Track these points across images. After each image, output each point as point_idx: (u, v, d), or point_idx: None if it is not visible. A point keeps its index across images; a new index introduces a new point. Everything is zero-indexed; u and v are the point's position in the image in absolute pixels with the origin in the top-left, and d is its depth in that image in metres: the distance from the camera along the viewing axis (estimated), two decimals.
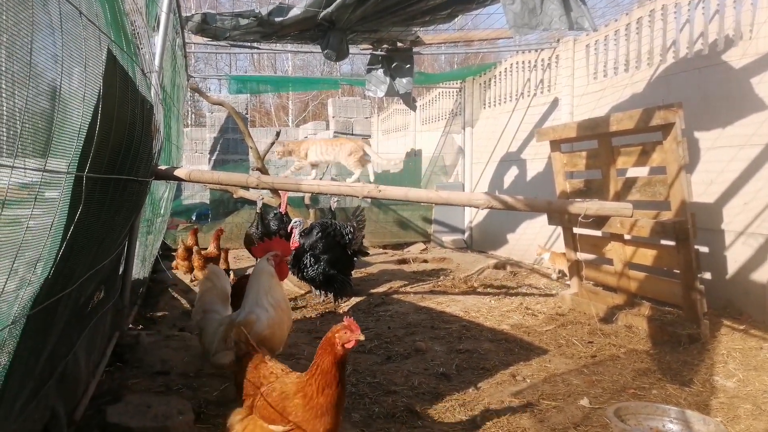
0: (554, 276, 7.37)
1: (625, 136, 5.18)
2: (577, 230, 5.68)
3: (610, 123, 4.98)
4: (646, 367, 4.13)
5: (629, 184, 5.20)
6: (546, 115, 8.47)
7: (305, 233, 6.55)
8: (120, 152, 2.28)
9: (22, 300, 1.73)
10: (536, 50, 8.67)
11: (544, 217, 7.23)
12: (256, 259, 3.99)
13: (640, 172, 5.55)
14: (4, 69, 1.36)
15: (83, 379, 3.28)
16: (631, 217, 4.91)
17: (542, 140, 6.07)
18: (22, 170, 1.38)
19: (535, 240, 8.58)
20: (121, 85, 2.09)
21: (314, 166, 6.53)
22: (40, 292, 1.84)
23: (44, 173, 1.52)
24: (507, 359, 4.30)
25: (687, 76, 5.94)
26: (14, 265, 1.56)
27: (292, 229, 6.46)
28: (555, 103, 8.24)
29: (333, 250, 6.60)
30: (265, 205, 8.08)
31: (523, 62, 9.13)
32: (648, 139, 4.96)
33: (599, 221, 5.15)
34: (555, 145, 5.93)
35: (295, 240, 6.32)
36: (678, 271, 4.82)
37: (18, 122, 1.31)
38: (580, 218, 4.95)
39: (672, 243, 4.78)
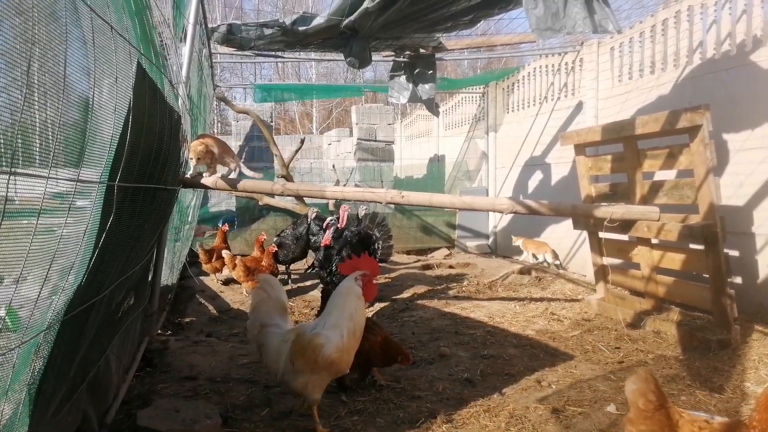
0: (530, 260, 8.91)
1: (651, 139, 5.12)
2: (603, 234, 5.62)
3: (636, 126, 4.93)
4: (675, 373, 4.06)
5: (656, 187, 5.14)
6: (570, 118, 8.41)
7: (337, 236, 6.57)
8: (149, 161, 2.34)
9: (57, 306, 1.79)
10: (560, 53, 8.62)
11: (569, 222, 7.18)
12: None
13: (667, 175, 5.48)
14: (36, 81, 1.42)
15: (114, 384, 3.37)
16: (658, 220, 4.83)
17: (566, 144, 6.02)
18: (56, 180, 1.44)
19: (560, 244, 8.51)
20: (150, 97, 2.15)
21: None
22: (73, 299, 1.91)
23: (77, 183, 1.57)
24: (532, 365, 4.27)
25: (714, 77, 5.85)
26: (48, 272, 1.61)
27: (328, 225, 6.47)
28: (579, 106, 8.18)
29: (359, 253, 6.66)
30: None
31: (547, 66, 9.08)
32: (675, 141, 4.90)
33: (625, 225, 5.09)
34: (579, 148, 5.88)
35: (328, 238, 6.35)
36: (707, 276, 4.73)
37: (51, 133, 1.37)
38: (605, 222, 4.88)
39: (701, 247, 4.70)
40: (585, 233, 6.70)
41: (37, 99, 1.43)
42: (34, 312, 1.60)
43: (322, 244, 6.41)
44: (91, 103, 1.59)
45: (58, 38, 1.41)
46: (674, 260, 5.06)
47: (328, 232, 6.41)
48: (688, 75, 6.24)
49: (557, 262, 8.65)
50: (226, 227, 8.43)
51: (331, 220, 6.55)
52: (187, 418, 3.03)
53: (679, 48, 6.39)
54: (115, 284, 2.56)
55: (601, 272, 6.01)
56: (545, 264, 8.63)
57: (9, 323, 1.68)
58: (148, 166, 2.32)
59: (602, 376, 3.98)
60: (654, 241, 5.28)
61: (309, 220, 7.59)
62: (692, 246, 4.95)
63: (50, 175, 1.38)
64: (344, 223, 7.63)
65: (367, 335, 3.69)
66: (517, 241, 9.19)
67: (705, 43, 6.05)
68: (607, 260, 5.97)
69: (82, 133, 1.59)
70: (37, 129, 1.38)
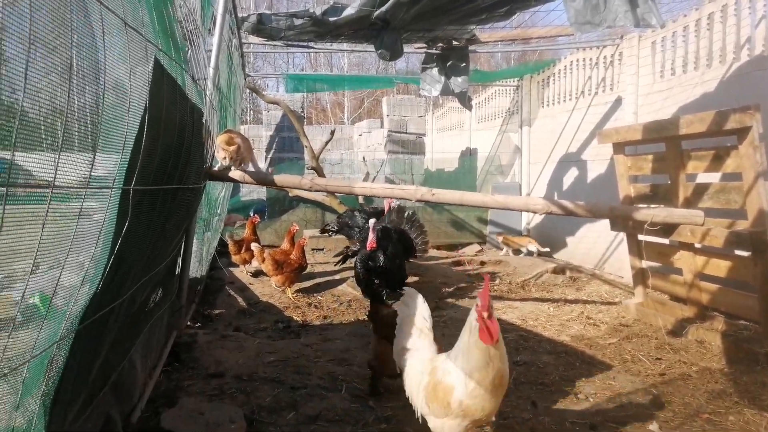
0: (505, 251, 9.61)
1: (696, 140, 4.86)
2: (642, 237, 5.38)
3: (680, 126, 4.67)
4: (721, 388, 3.84)
5: (700, 190, 4.88)
6: (608, 114, 8.11)
7: (382, 235, 6.44)
8: (169, 161, 2.25)
9: (70, 316, 1.72)
10: (598, 47, 8.32)
11: (604, 221, 6.93)
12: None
13: (712, 178, 5.20)
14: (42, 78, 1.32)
15: (139, 383, 3.32)
16: (703, 225, 4.60)
17: (604, 142, 5.78)
18: (65, 189, 1.34)
19: (596, 244, 8.25)
20: (169, 94, 2.05)
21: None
22: (88, 307, 1.83)
23: (87, 189, 1.48)
24: (567, 374, 4.09)
25: (762, 75, 5.53)
26: (59, 282, 1.53)
27: (373, 228, 6.30)
28: (618, 102, 7.88)
29: (401, 255, 6.56)
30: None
31: (584, 59, 8.77)
32: (721, 143, 4.63)
33: (667, 229, 4.84)
34: (618, 147, 5.63)
35: (373, 241, 6.23)
36: (755, 284, 4.48)
37: (58, 136, 1.27)
38: (646, 225, 4.67)
39: (748, 254, 4.44)
40: (622, 234, 6.45)
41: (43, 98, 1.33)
42: (43, 326, 1.52)
43: (368, 247, 6.27)
44: (101, 102, 1.49)
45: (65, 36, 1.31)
46: (719, 267, 4.81)
47: (372, 234, 6.27)
48: (735, 72, 5.92)
49: (545, 249, 9.40)
50: (256, 218, 8.39)
51: (374, 222, 6.41)
52: (211, 421, 2.96)
53: (726, 44, 6.07)
54: (137, 285, 2.48)
55: (640, 276, 5.77)
56: (534, 253, 9.27)
57: (41, 309, 1.62)
58: (167, 166, 2.23)
59: (643, 389, 3.78)
60: (697, 246, 5.03)
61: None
62: (739, 253, 4.70)
63: (55, 183, 1.28)
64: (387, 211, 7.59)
65: None
66: (498, 238, 10.04)
67: (753, 40, 5.73)
68: (647, 263, 5.73)
69: (93, 136, 1.49)
70: (42, 131, 1.28)
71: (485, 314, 2.47)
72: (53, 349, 1.64)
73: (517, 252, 9.59)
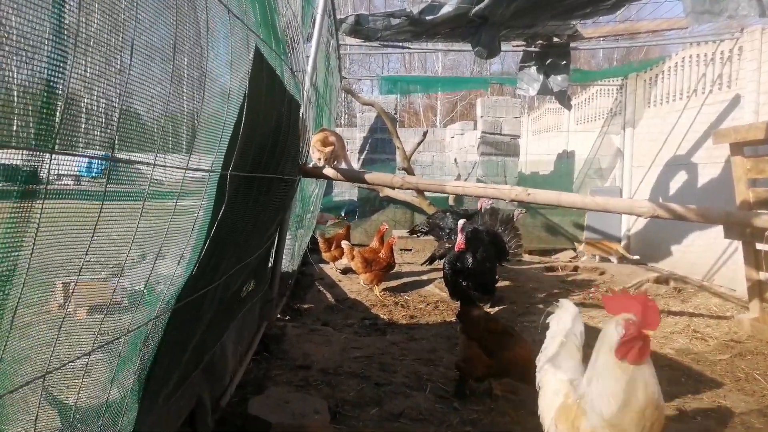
0: (586, 257, 9.27)
1: None
2: (761, 246, 4.91)
3: None
4: None
5: None
6: (724, 114, 7.50)
7: (472, 237, 6.34)
8: (265, 151, 2.29)
9: (167, 295, 1.78)
10: (714, 41, 7.71)
11: (716, 228, 6.41)
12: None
13: None
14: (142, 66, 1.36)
15: (230, 368, 3.43)
16: None
17: (720, 142, 5.34)
18: (164, 168, 1.38)
19: (705, 253, 7.65)
20: (267, 84, 2.09)
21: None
22: (184, 288, 1.89)
23: (187, 171, 1.52)
24: (671, 390, 3.78)
25: None
26: (158, 266, 1.59)
27: (462, 228, 6.21)
28: (736, 100, 7.26)
29: (492, 258, 6.42)
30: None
31: (698, 55, 8.17)
32: None
33: None
34: (736, 148, 5.18)
35: (461, 242, 6.15)
36: None
37: (156, 120, 1.30)
38: (767, 233, 4.26)
39: None
40: (737, 242, 5.93)
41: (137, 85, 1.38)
42: (141, 301, 1.58)
43: (456, 249, 6.19)
44: (202, 88, 1.52)
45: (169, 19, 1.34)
46: None
47: (460, 235, 6.17)
48: None
49: (635, 257, 9.11)
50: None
51: (463, 223, 6.30)
52: (297, 411, 3.00)
53: None
54: (231, 272, 2.56)
55: (757, 288, 5.27)
56: (614, 260, 8.95)
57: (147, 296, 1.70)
58: (263, 155, 2.27)
59: (757, 410, 3.43)
60: None
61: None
62: None
63: (156, 162, 1.32)
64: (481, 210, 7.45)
65: (512, 344, 3.47)
66: (580, 247, 9.74)
67: None
68: (765, 275, 5.22)
69: (192, 120, 1.53)
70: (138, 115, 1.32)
71: (639, 331, 2.13)
72: (149, 327, 1.71)
73: (604, 259, 9.20)
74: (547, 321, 2.80)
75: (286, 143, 2.62)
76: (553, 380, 2.57)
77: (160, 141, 1.47)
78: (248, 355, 4.00)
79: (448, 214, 7.79)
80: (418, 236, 8.89)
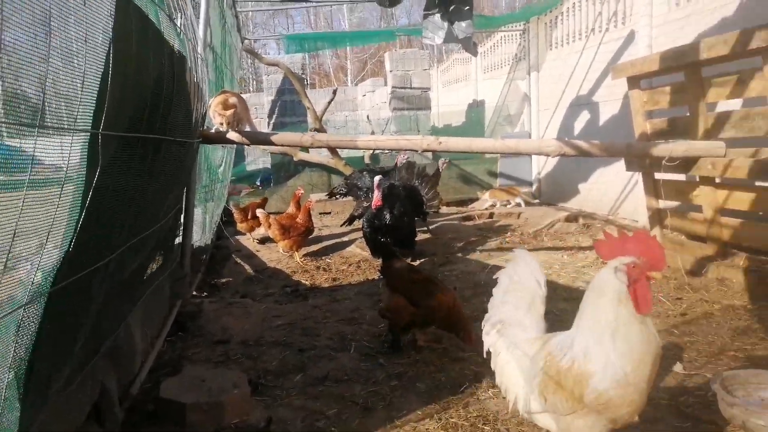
0: (489, 204, 9.36)
1: (717, 66, 4.56)
2: (659, 175, 5.14)
3: (700, 50, 4.37)
4: (746, 325, 3.67)
5: (722, 119, 4.60)
6: (620, 51, 7.75)
7: (388, 192, 6.23)
8: (146, 109, 2.06)
9: (35, 278, 1.56)
10: None
11: (618, 164, 6.68)
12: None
13: (734, 106, 4.92)
14: None
15: (139, 352, 3.21)
16: (725, 156, 4.36)
17: (619, 77, 5.48)
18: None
19: (609, 189, 8.00)
20: (139, 31, 1.85)
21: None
22: (60, 269, 1.68)
23: (39, 130, 1.30)
24: None
25: None
26: (16, 241, 1.37)
27: (378, 185, 6.07)
28: (631, 36, 7.51)
29: (410, 212, 6.37)
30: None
31: None
32: (744, 66, 4.33)
33: (686, 164, 4.61)
34: (633, 81, 5.34)
35: (378, 199, 6.03)
36: None
37: None
38: (664, 161, 4.44)
39: None
40: (637, 175, 6.20)
41: None
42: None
43: (373, 206, 6.08)
44: (48, 28, 1.29)
45: None
46: (742, 200, 4.56)
47: (377, 191, 6.05)
48: None
49: (535, 201, 9.64)
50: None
51: (380, 179, 6.17)
52: (214, 387, 2.84)
53: None
54: (123, 248, 2.33)
55: (657, 216, 5.54)
56: (520, 204, 9.16)
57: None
58: (144, 113, 2.04)
59: (664, 330, 3.61)
60: (718, 180, 4.79)
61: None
62: (762, 183, 4.45)
63: None
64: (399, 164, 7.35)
65: (435, 293, 3.44)
66: (483, 195, 9.71)
67: None
68: (664, 203, 5.49)
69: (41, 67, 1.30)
70: None
71: (644, 274, 1.87)
72: (19, 314, 1.50)
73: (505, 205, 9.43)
74: (494, 277, 2.50)
75: (172, 101, 2.38)
76: (521, 342, 2.20)
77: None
78: (161, 336, 3.77)
79: (365, 173, 7.67)
80: (337, 198, 8.76)
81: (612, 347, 1.85)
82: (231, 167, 9.25)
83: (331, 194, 8.58)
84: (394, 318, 3.57)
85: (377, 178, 6.14)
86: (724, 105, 4.85)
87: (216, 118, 4.38)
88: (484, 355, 2.42)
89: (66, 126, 1.47)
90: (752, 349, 3.31)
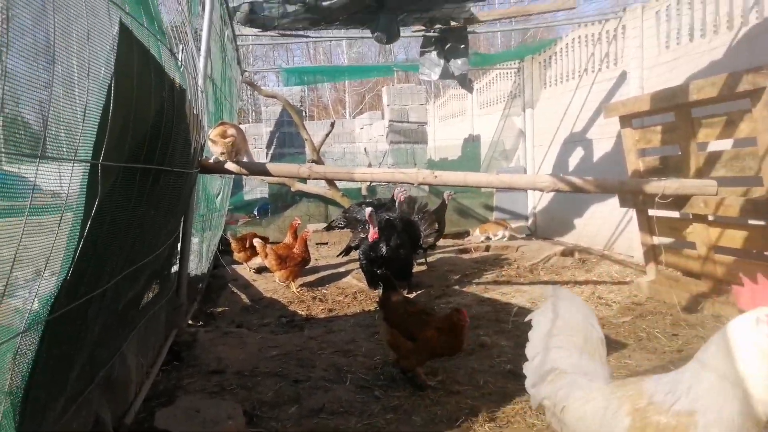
0: (482, 239, 9.20)
1: (706, 107, 4.66)
2: (653, 212, 5.20)
3: (690, 92, 4.48)
4: None
5: (713, 159, 4.68)
6: (613, 90, 7.91)
7: (384, 225, 6.26)
8: (146, 140, 2.10)
9: (32, 306, 1.57)
10: (600, 21, 8.11)
11: (613, 200, 6.76)
12: None
13: (725, 145, 5.01)
14: None
15: (134, 381, 3.19)
16: (716, 195, 4.42)
17: (611, 116, 5.59)
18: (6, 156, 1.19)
19: (604, 225, 8.06)
20: (141, 65, 1.90)
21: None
22: (58, 297, 1.69)
23: (40, 162, 1.33)
24: None
25: None
26: (14, 268, 1.39)
27: (370, 217, 6.10)
28: (623, 76, 7.67)
29: (407, 245, 6.39)
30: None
31: (586, 36, 8.56)
32: (732, 108, 4.44)
33: (678, 201, 4.67)
34: (625, 120, 5.44)
35: (376, 232, 6.06)
36: None
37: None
38: (657, 198, 4.50)
39: (765, 223, 4.26)
40: (632, 212, 6.27)
41: None
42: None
43: (370, 239, 6.11)
44: (52, 63, 1.34)
45: None
46: (735, 238, 4.62)
47: (371, 223, 6.08)
48: (744, 37, 5.72)
49: (521, 236, 9.64)
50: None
51: (371, 210, 6.21)
52: (208, 418, 2.82)
53: (733, 8, 5.86)
54: (120, 277, 2.34)
55: (652, 252, 5.58)
56: (503, 238, 9.17)
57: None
58: (144, 144, 2.08)
59: (660, 366, 3.61)
60: (710, 218, 4.84)
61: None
62: (755, 222, 4.51)
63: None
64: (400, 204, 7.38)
65: (430, 324, 3.43)
66: (474, 231, 9.70)
67: (761, 1, 5.52)
68: (658, 239, 5.54)
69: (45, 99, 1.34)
70: None
71: None
72: (16, 342, 1.50)
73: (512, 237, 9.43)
74: (527, 319, 2.34)
75: (171, 133, 2.43)
76: (593, 392, 1.90)
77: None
78: (156, 366, 3.74)
79: (363, 206, 7.72)
80: (337, 229, 8.80)
81: (746, 410, 1.60)
82: (228, 197, 9.29)
83: (329, 227, 8.62)
84: (395, 352, 3.56)
85: (368, 210, 6.18)
86: (715, 145, 4.94)
87: (215, 148, 4.43)
88: (534, 408, 2.20)
89: (66, 156, 1.50)
90: None
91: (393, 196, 7.57)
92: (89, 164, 1.66)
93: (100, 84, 1.63)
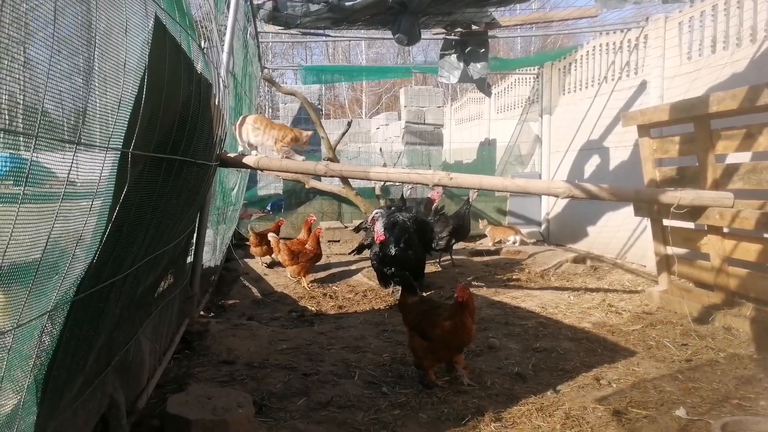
0: (491, 243, 9.25)
1: (726, 119, 4.65)
2: (667, 222, 5.19)
3: (710, 104, 4.48)
4: (751, 374, 3.67)
5: (730, 171, 4.67)
6: (632, 99, 7.89)
7: (390, 225, 6.30)
8: (172, 132, 2.16)
9: (63, 286, 1.63)
10: (622, 30, 8.08)
11: (627, 209, 6.75)
12: None
13: (743, 158, 4.99)
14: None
15: (148, 367, 3.25)
16: (732, 207, 4.41)
17: (629, 125, 5.59)
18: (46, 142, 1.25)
19: (618, 233, 8.04)
20: (172, 59, 1.96)
21: (252, 147, 5.43)
22: (84, 278, 1.75)
23: (78, 147, 1.39)
24: (589, 360, 3.94)
25: None
26: (48, 247, 1.45)
27: (374, 219, 6.15)
28: (643, 86, 7.65)
29: (417, 245, 6.43)
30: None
31: (607, 44, 8.54)
32: (751, 121, 4.43)
33: (694, 212, 4.66)
34: (644, 129, 5.44)
35: (380, 233, 6.11)
36: None
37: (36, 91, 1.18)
38: (672, 209, 4.49)
39: None
40: (646, 221, 6.26)
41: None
42: (33, 292, 1.44)
43: (376, 241, 6.16)
44: (92, 56, 1.39)
45: None
46: (749, 251, 4.60)
47: (377, 225, 6.12)
48: (766, 50, 5.68)
49: (531, 241, 9.56)
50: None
51: (377, 213, 6.26)
52: (219, 406, 2.88)
53: (757, 22, 5.83)
54: (141, 263, 2.40)
55: (665, 262, 5.57)
56: (514, 244, 9.17)
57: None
58: (171, 135, 2.14)
59: (669, 375, 3.62)
60: (726, 230, 4.83)
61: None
62: None
63: (38, 135, 1.19)
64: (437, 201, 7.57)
65: (439, 321, 3.50)
66: (486, 228, 9.73)
67: None
68: (671, 249, 5.53)
69: (83, 90, 1.40)
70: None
71: None
72: (44, 320, 1.56)
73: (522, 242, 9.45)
74: None
75: (196, 125, 2.49)
76: None
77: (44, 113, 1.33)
78: (168, 353, 3.82)
79: (392, 208, 7.79)
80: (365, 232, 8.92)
81: None
82: (244, 191, 9.37)
83: (358, 228, 8.74)
84: (419, 359, 3.59)
85: (375, 212, 6.24)
86: (733, 157, 4.93)
87: (263, 137, 4.75)
88: None
89: (99, 144, 1.56)
90: (756, 398, 3.31)
91: (429, 197, 7.71)
92: (119, 152, 1.72)
93: (133, 76, 1.68)
